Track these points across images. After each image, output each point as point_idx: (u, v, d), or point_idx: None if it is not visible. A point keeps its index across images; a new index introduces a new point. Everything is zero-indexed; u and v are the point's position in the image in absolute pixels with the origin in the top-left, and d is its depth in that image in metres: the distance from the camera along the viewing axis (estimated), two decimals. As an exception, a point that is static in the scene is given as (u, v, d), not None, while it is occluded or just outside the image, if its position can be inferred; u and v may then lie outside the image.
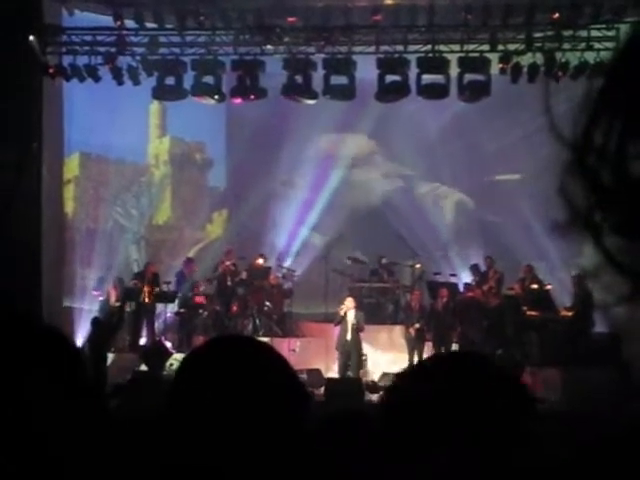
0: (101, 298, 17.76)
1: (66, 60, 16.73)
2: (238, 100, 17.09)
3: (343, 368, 15.84)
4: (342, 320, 15.92)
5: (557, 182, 0.78)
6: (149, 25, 16.79)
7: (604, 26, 15.73)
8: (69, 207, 19.81)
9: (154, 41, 16.82)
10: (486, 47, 16.12)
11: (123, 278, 17.78)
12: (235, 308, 17.21)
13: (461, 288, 17.35)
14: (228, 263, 17.91)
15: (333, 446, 2.55)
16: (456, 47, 16.33)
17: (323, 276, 18.23)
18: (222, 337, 1.73)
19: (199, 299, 17.30)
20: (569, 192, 0.78)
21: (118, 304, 16.83)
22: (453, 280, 17.89)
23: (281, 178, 21.07)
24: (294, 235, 20.94)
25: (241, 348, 1.67)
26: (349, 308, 15.97)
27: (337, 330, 16.01)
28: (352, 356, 15.81)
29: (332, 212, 20.85)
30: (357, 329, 15.81)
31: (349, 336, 15.82)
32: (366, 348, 16.38)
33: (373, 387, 14.97)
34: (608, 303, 0.83)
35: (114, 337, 16.26)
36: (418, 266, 18.33)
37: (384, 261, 18.62)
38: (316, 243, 20.45)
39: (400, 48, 16.39)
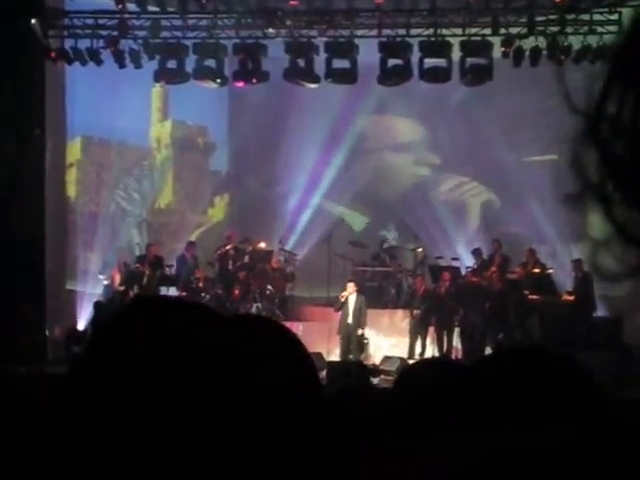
0: (106, 282, 17.77)
1: (68, 43, 16.68)
2: (240, 84, 17.06)
3: (345, 352, 15.89)
4: (343, 305, 15.98)
5: (569, 153, 0.79)
6: (151, 8, 16.74)
7: (606, 9, 15.69)
8: (71, 191, 19.81)
9: (156, 24, 16.76)
10: (488, 31, 16.06)
11: (128, 262, 17.79)
12: (237, 292, 17.20)
13: (463, 272, 17.33)
14: (228, 247, 17.91)
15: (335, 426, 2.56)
16: (458, 31, 16.28)
17: (325, 260, 18.20)
18: (236, 317, 1.70)
19: (200, 283, 17.32)
20: (581, 163, 0.79)
21: (122, 288, 16.85)
22: (455, 264, 17.87)
23: (283, 161, 20.99)
24: (296, 218, 20.90)
25: (252, 329, 1.64)
26: (350, 293, 16.03)
27: (339, 315, 16.07)
28: (352, 339, 15.86)
29: (334, 194, 20.84)
30: (360, 316, 15.88)
31: (350, 319, 15.88)
32: (368, 332, 16.41)
33: (375, 370, 15.00)
34: (616, 275, 0.84)
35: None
36: (420, 250, 18.31)
37: (386, 245, 18.60)
38: (321, 221, 20.36)
39: (402, 32, 16.34)
